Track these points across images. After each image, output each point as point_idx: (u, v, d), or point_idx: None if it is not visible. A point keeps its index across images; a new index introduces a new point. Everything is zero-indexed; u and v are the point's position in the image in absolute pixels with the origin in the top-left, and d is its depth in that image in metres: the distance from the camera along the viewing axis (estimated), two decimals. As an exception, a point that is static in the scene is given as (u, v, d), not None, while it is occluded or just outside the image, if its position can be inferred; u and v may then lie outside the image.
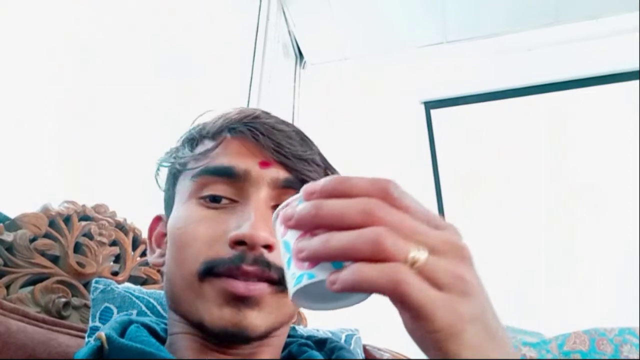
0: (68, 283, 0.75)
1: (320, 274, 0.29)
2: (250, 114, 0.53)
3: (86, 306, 0.75)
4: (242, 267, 0.44)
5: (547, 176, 1.99)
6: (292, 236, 0.32)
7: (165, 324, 0.55)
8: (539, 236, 1.90)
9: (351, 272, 0.27)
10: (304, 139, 0.54)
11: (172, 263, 0.49)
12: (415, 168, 2.12)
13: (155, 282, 0.88)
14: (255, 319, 0.45)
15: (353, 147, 2.12)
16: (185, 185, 0.52)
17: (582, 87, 2.11)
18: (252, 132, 0.50)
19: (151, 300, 0.68)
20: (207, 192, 0.49)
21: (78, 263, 0.76)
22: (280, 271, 0.38)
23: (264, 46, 1.88)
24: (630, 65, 2.01)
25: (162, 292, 0.64)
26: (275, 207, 0.47)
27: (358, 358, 0.64)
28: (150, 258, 0.57)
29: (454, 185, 2.10)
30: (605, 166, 1.92)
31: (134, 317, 0.56)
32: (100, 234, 0.82)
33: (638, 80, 1.98)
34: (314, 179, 0.50)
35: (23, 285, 0.70)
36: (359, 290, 0.27)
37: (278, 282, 0.46)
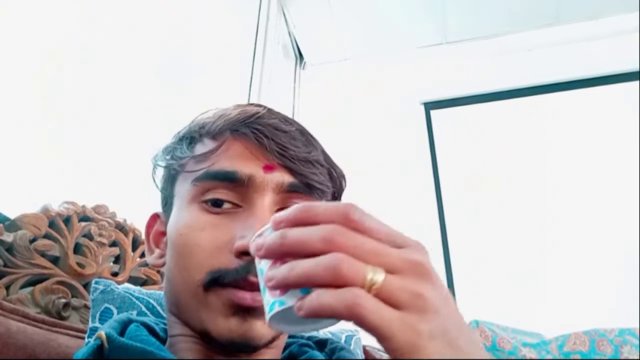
0: (68, 284, 0.75)
1: (290, 300, 0.30)
2: (253, 114, 0.51)
3: (86, 307, 0.75)
4: (249, 278, 0.44)
5: (547, 176, 1.99)
6: (265, 264, 0.33)
7: (165, 324, 0.55)
8: (539, 236, 1.90)
9: (312, 298, 0.28)
10: (308, 139, 0.53)
11: (175, 269, 0.49)
12: (415, 168, 2.11)
13: (155, 282, 0.88)
14: (261, 329, 0.45)
15: (353, 148, 2.12)
16: (185, 187, 0.50)
17: (582, 88, 2.11)
18: (255, 134, 0.49)
19: (151, 301, 0.68)
20: (210, 196, 0.48)
21: (78, 264, 0.76)
22: None
23: (264, 47, 1.88)
24: (630, 66, 2.01)
25: (162, 292, 0.63)
26: (279, 211, 0.46)
27: (358, 359, 0.63)
28: (149, 258, 0.56)
29: (453, 185, 2.10)
30: (605, 166, 1.92)
31: (133, 316, 0.56)
32: (100, 235, 0.82)
33: (638, 81, 1.98)
34: (318, 182, 0.50)
35: (23, 286, 0.70)
36: (321, 316, 0.28)
37: None
